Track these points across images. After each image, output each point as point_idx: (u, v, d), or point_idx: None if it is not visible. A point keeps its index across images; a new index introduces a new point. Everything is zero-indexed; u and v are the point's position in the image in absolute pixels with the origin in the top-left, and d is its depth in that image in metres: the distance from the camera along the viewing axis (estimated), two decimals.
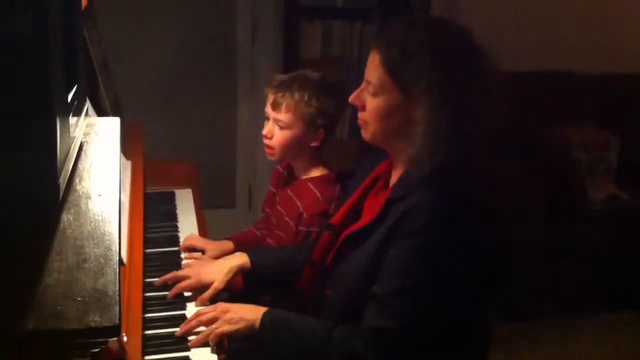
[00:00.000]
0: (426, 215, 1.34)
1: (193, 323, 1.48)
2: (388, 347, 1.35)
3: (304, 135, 1.84)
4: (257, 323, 1.45)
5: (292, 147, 1.85)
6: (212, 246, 1.89)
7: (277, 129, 1.84)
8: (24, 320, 0.78)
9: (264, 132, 1.87)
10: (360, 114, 1.48)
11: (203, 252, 1.86)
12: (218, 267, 1.68)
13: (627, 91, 3.45)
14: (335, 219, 1.60)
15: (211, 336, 1.45)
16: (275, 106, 1.83)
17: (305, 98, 1.80)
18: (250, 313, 1.48)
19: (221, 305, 1.52)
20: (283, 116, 1.82)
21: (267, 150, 1.89)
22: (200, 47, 3.32)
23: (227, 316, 1.47)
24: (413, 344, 1.36)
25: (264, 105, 1.90)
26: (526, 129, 3.11)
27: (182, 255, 1.84)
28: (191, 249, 1.87)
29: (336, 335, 1.40)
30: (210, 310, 1.50)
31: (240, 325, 1.45)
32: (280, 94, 1.82)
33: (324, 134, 1.86)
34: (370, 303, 1.39)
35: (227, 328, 1.45)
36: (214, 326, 1.46)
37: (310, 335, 1.41)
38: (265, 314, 1.46)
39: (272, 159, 1.90)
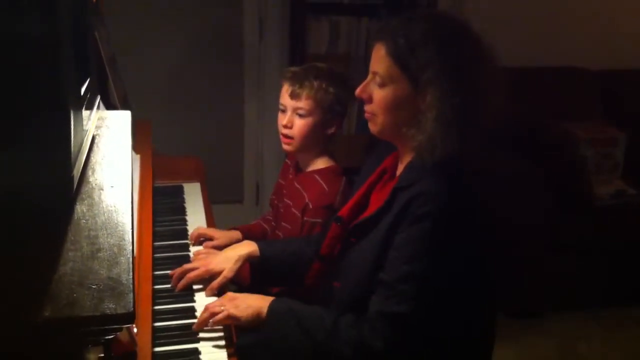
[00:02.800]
0: (433, 201, 1.35)
1: (205, 316, 1.49)
2: (395, 332, 1.36)
3: (322, 122, 1.89)
4: (264, 311, 1.47)
5: (311, 135, 1.89)
6: (220, 235, 1.92)
7: (296, 118, 1.89)
8: (40, 309, 0.80)
9: (284, 122, 1.90)
10: (367, 107, 1.49)
11: (212, 239, 1.89)
12: (227, 256, 1.70)
13: (634, 86, 3.44)
14: (343, 212, 1.61)
15: (217, 317, 1.47)
16: (295, 96, 1.88)
17: (323, 86, 1.87)
18: (257, 301, 1.49)
19: (229, 294, 1.55)
20: (304, 104, 1.87)
21: (284, 140, 1.92)
22: (208, 44, 3.33)
23: (235, 302, 1.49)
24: (420, 329, 1.37)
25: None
26: (532, 125, 3.12)
27: (191, 248, 1.86)
28: (201, 241, 1.89)
29: (343, 322, 1.41)
30: (218, 301, 1.52)
31: (248, 312, 1.47)
32: (298, 85, 1.87)
33: (339, 121, 1.92)
34: (378, 289, 1.40)
35: (234, 311, 1.47)
36: (221, 308, 1.48)
37: (317, 323, 1.42)
38: (272, 302, 1.48)
39: (290, 148, 1.92)
